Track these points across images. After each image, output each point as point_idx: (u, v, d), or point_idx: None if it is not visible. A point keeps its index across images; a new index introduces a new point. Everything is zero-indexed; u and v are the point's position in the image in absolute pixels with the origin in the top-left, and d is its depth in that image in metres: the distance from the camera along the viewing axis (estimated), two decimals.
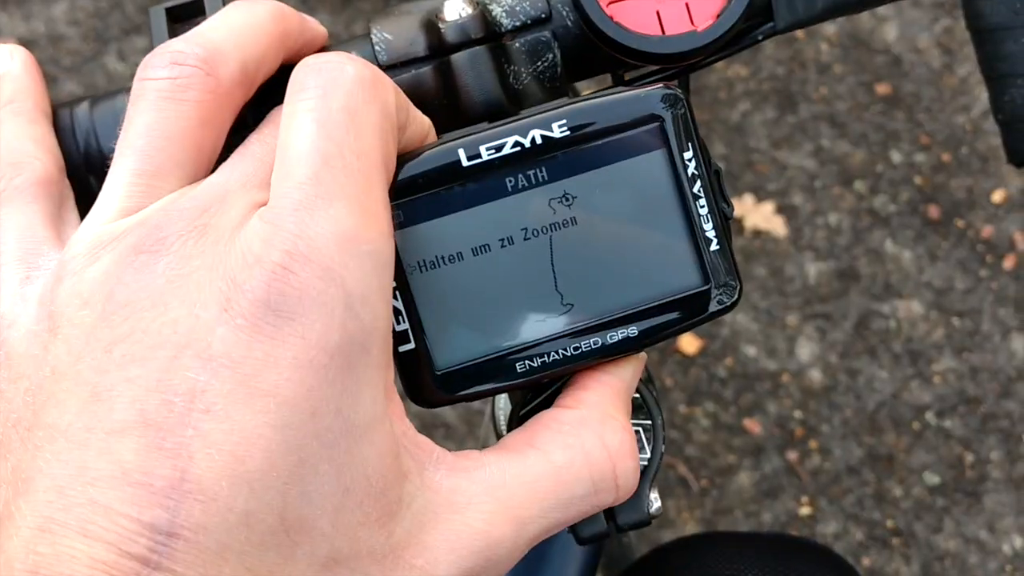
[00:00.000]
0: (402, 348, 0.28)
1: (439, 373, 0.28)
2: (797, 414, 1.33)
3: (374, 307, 0.24)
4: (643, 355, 0.30)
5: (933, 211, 1.40)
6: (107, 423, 0.22)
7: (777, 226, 1.40)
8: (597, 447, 0.27)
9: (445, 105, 0.32)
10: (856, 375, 1.35)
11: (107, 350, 0.23)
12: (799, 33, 1.45)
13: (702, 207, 0.29)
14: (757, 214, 1.40)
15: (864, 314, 1.37)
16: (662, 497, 1.30)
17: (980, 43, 0.42)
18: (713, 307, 0.29)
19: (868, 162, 1.42)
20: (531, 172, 0.28)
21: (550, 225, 0.28)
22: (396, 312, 0.28)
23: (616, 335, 0.29)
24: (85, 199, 0.30)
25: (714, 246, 0.29)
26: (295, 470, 0.23)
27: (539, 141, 0.28)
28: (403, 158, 0.28)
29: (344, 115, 0.24)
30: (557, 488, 0.27)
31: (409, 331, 0.28)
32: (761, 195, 1.41)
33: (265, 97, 0.29)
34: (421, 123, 0.29)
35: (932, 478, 1.31)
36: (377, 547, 0.24)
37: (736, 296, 0.29)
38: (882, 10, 1.47)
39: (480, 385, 0.29)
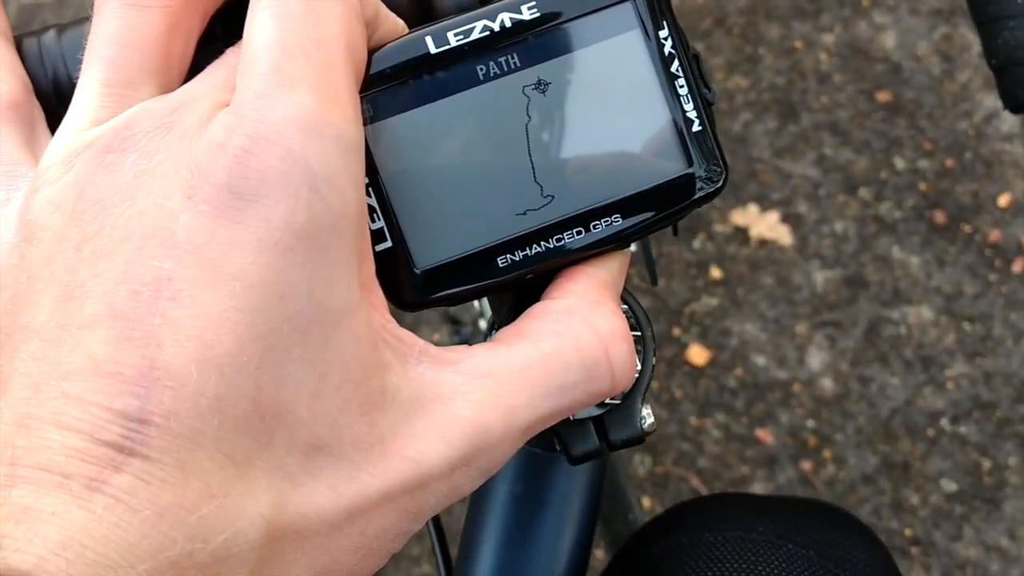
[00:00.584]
0: (379, 247, 0.27)
1: (419, 272, 0.27)
2: (810, 423, 1.31)
3: (342, 191, 0.23)
4: (628, 251, 0.29)
5: (939, 216, 1.39)
6: (78, 318, 0.22)
7: (783, 235, 1.39)
8: (587, 332, 0.27)
9: (417, 14, 0.31)
10: (868, 383, 1.33)
11: (78, 248, 0.23)
12: (797, 43, 1.46)
13: (681, 87, 0.28)
14: (762, 223, 1.39)
15: (874, 321, 1.35)
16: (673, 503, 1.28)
17: (984, 34, 0.42)
18: (698, 192, 0.28)
19: (872, 169, 1.41)
20: (502, 59, 0.27)
21: (525, 113, 0.27)
22: (371, 210, 0.27)
23: (600, 225, 0.28)
24: (56, 127, 0.29)
25: (696, 127, 0.28)
26: (266, 354, 0.22)
27: (508, 24, 0.27)
28: (372, 52, 0.27)
29: (302, 7, 0.24)
30: (547, 376, 0.26)
31: (385, 229, 0.27)
32: (765, 204, 1.40)
33: (235, 8, 0.28)
34: (394, 23, 0.28)
35: (949, 485, 1.29)
36: (361, 436, 0.24)
37: (722, 180, 0.28)
38: (880, 19, 1.47)
39: (462, 284, 0.28)
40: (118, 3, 0.26)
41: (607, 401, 0.31)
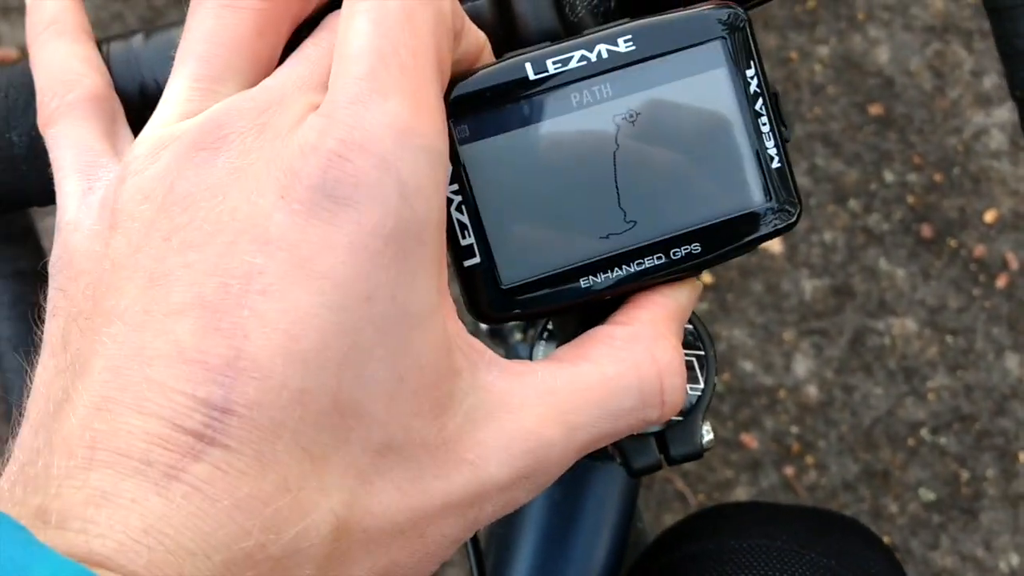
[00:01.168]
0: (467, 263, 0.28)
1: (504, 288, 0.28)
2: (794, 429, 1.33)
3: (428, 200, 0.24)
4: (699, 283, 0.31)
5: (926, 230, 1.41)
6: (164, 305, 0.23)
7: (773, 243, 1.41)
8: (647, 361, 0.28)
9: (501, 36, 0.32)
10: (852, 391, 1.35)
11: (166, 238, 0.24)
12: (793, 54, 1.47)
13: (764, 125, 0.29)
14: None
15: (859, 331, 1.37)
16: (660, 511, 1.30)
17: (997, 21, 0.43)
18: (774, 225, 0.29)
19: (862, 181, 1.43)
20: (596, 88, 0.28)
21: (614, 141, 0.28)
22: (462, 227, 0.28)
23: (680, 252, 0.29)
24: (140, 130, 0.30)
25: (775, 164, 0.29)
26: (349, 353, 0.23)
27: (605, 55, 0.28)
28: (469, 73, 0.28)
29: (400, 15, 0.25)
30: (607, 398, 0.27)
31: (475, 245, 0.28)
32: None
33: (323, 17, 0.29)
34: (477, 36, 0.29)
35: (928, 494, 1.31)
36: (430, 438, 0.24)
37: (797, 215, 0.29)
38: (874, 33, 1.49)
39: (544, 302, 0.29)
40: (214, 3, 0.27)
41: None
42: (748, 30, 0.29)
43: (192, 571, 0.21)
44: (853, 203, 1.42)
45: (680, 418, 0.32)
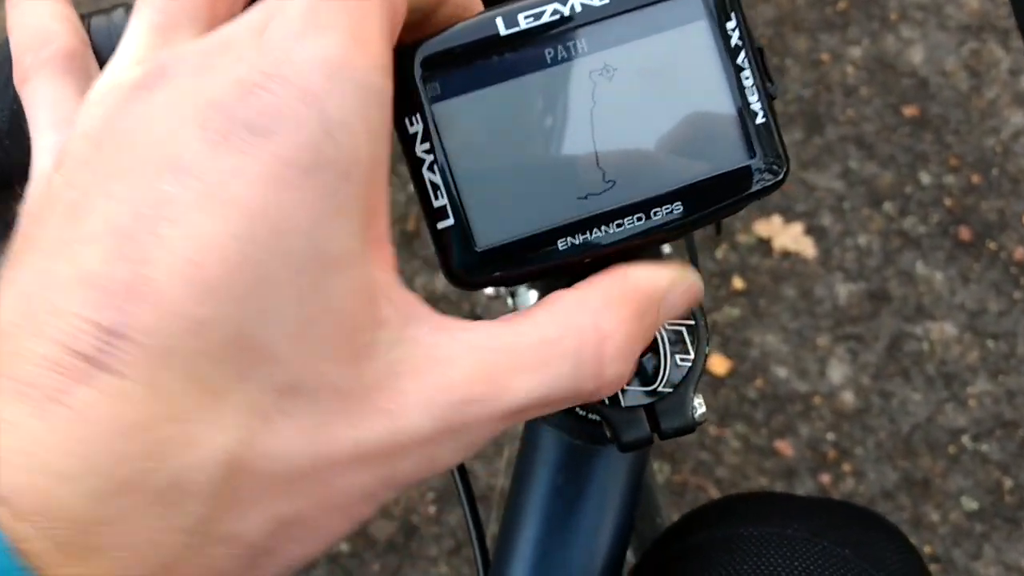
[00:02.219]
0: (441, 224, 0.28)
1: (479, 251, 0.28)
2: (830, 436, 1.31)
3: (355, 136, 0.23)
4: (691, 272, 0.29)
5: (964, 233, 1.39)
6: (79, 234, 0.23)
7: (806, 247, 1.39)
8: (590, 328, 0.26)
9: None
10: (889, 397, 1.32)
11: (94, 172, 0.23)
12: (824, 56, 1.46)
13: (747, 79, 0.28)
14: (786, 235, 1.39)
15: (896, 336, 1.35)
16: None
17: (1020, 10, 0.42)
18: (760, 183, 0.28)
19: (897, 184, 1.41)
20: (571, 43, 0.27)
21: (591, 98, 0.28)
22: (435, 187, 0.27)
23: (661, 213, 0.28)
24: None
25: (760, 119, 0.28)
26: (255, 285, 0.22)
27: (579, 9, 0.27)
28: (441, 30, 0.27)
29: None
30: (541, 362, 0.25)
31: (448, 207, 0.27)
32: (790, 216, 1.40)
33: None
34: None
35: (970, 503, 1.28)
36: (344, 384, 0.23)
37: (782, 175, 0.28)
38: (907, 33, 1.47)
39: (520, 265, 0.28)
40: None
41: (659, 389, 0.31)
42: None
43: (65, 495, 0.20)
44: (888, 206, 1.40)
45: (670, 390, 0.31)
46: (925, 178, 1.41)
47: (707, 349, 0.31)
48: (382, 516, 1.28)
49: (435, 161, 0.27)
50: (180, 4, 0.26)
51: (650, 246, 0.29)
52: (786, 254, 1.38)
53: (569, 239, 0.28)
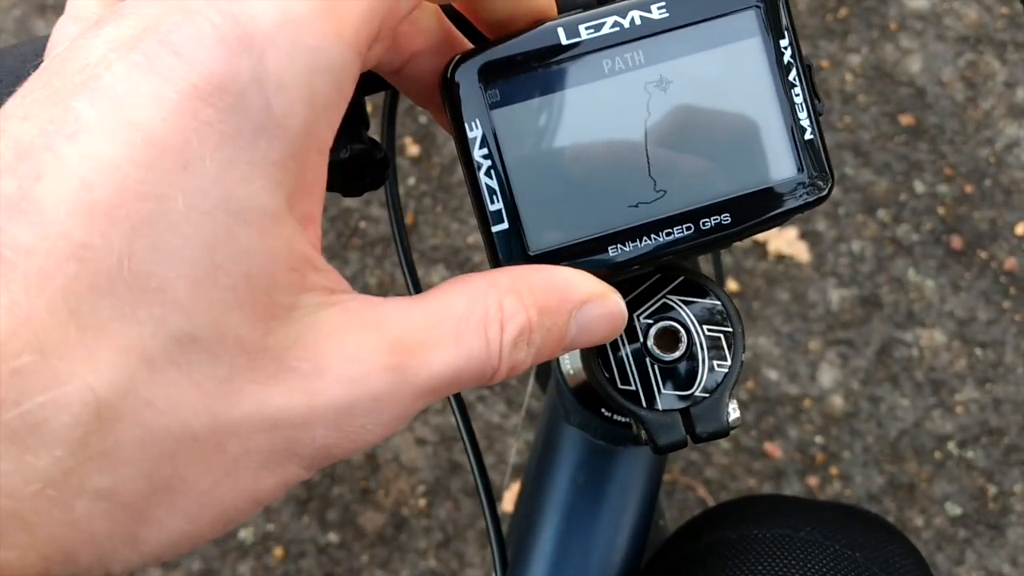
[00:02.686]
0: (496, 228, 0.28)
1: (531, 255, 0.28)
2: (818, 439, 1.32)
3: (291, 102, 0.22)
4: (614, 306, 0.28)
5: (956, 242, 1.40)
6: None
7: (800, 251, 1.40)
8: (494, 307, 0.25)
9: None
10: (878, 402, 1.34)
11: (25, 94, 0.22)
12: (824, 63, 1.47)
13: (796, 95, 0.29)
14: (780, 239, 1.40)
15: (886, 342, 1.36)
16: (681, 518, 1.29)
17: None
18: (805, 197, 0.29)
19: (891, 191, 1.42)
20: (628, 55, 0.28)
21: (645, 109, 0.28)
22: (491, 192, 0.28)
23: (709, 222, 0.29)
24: None
25: (808, 135, 0.29)
26: (150, 218, 0.21)
27: (638, 22, 0.28)
28: (504, 38, 0.28)
29: None
30: (456, 337, 0.25)
31: (503, 211, 0.28)
32: None
33: None
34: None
35: (954, 509, 1.30)
36: (252, 340, 0.22)
37: (827, 190, 0.29)
38: (906, 43, 1.49)
39: None
40: None
41: (696, 393, 0.32)
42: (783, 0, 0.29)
43: None
44: (882, 213, 1.41)
45: (707, 395, 0.32)
46: (919, 187, 1.43)
47: (743, 356, 0.32)
48: (372, 508, 1.28)
49: (492, 166, 0.28)
50: None
51: (697, 254, 0.29)
52: (780, 258, 1.40)
53: (620, 246, 0.28)
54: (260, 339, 0.22)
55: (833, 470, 1.31)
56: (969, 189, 1.42)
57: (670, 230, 0.29)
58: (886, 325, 1.37)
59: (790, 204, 0.29)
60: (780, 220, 0.29)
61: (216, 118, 0.21)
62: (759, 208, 0.29)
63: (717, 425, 0.32)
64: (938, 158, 1.44)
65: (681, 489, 1.30)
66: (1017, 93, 1.46)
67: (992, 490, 1.30)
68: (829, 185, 0.29)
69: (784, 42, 0.29)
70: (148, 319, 0.21)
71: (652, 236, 0.28)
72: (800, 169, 0.29)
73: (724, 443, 1.32)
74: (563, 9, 0.31)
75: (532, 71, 0.28)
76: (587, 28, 0.28)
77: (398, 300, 0.25)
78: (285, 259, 0.23)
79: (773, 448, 1.31)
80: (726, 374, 0.32)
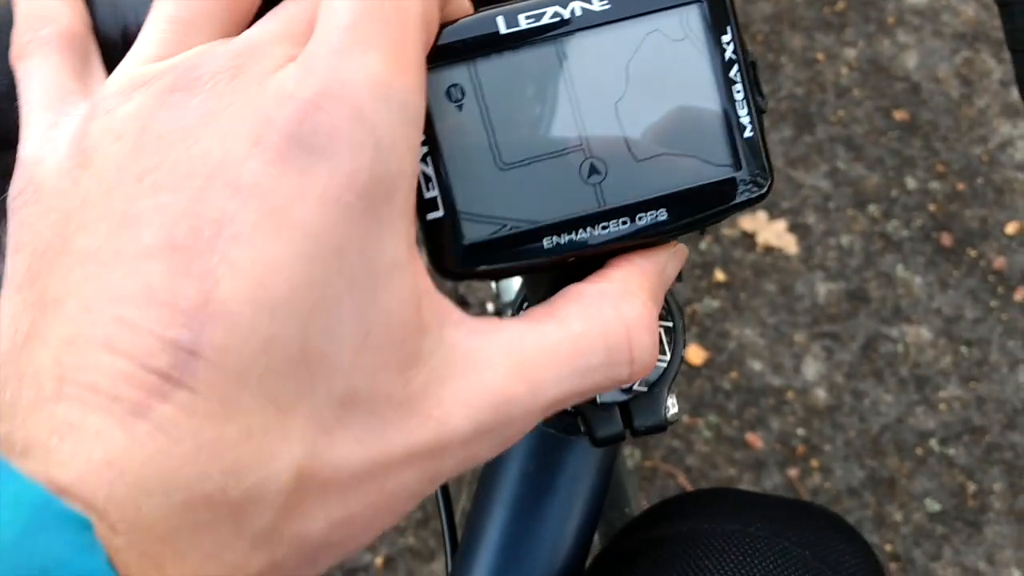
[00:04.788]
0: (430, 216, 0.28)
1: (466, 244, 0.28)
2: (800, 431, 1.32)
3: (401, 156, 0.24)
4: (682, 249, 0.30)
5: (946, 239, 1.40)
6: (136, 246, 0.23)
7: (789, 244, 1.40)
8: (614, 318, 0.27)
9: None
10: (861, 397, 1.34)
11: (138, 179, 0.23)
12: (819, 55, 1.46)
13: (738, 92, 0.28)
14: (770, 231, 1.40)
15: (872, 337, 1.36)
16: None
17: (1007, 16, 0.42)
18: (742, 196, 0.29)
19: (883, 186, 1.42)
20: (567, 46, 0.28)
21: (583, 101, 0.28)
22: (426, 178, 0.28)
23: (645, 218, 0.29)
24: None
25: (748, 133, 0.29)
26: (318, 303, 0.23)
27: (579, 13, 0.28)
28: (445, 24, 0.28)
29: None
30: (573, 355, 0.27)
31: (439, 199, 0.28)
32: (775, 212, 1.41)
33: None
34: (462, 2, 0.29)
35: (933, 505, 1.30)
36: (395, 393, 0.24)
37: (765, 189, 0.29)
38: (903, 38, 1.48)
39: (505, 260, 0.29)
40: None
41: (634, 388, 0.32)
42: None
43: (151, 508, 0.21)
44: (873, 208, 1.41)
45: (645, 389, 0.32)
46: (911, 182, 1.42)
47: (682, 351, 0.32)
48: None
49: (429, 153, 0.28)
50: (203, 1, 0.26)
51: (635, 248, 0.29)
52: (769, 249, 1.40)
53: (555, 238, 0.28)
54: (402, 390, 0.24)
55: (814, 462, 1.32)
56: (961, 187, 1.42)
57: (606, 224, 0.28)
58: (872, 320, 1.37)
59: (728, 202, 0.29)
60: (719, 217, 0.29)
61: (355, 199, 0.23)
62: (696, 205, 0.29)
63: (655, 419, 0.32)
64: (931, 155, 1.44)
65: (662, 476, 1.30)
66: (1012, 92, 1.46)
67: (972, 488, 1.31)
68: (768, 183, 0.29)
69: (726, 38, 0.28)
70: (321, 391, 0.23)
71: (588, 229, 0.28)
72: (739, 167, 0.29)
73: (706, 432, 1.32)
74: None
75: (470, 59, 0.28)
76: (527, 17, 0.28)
77: (512, 323, 0.27)
78: (413, 303, 0.25)
79: (755, 439, 1.32)
80: (665, 369, 0.32)
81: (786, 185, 1.42)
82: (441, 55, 0.28)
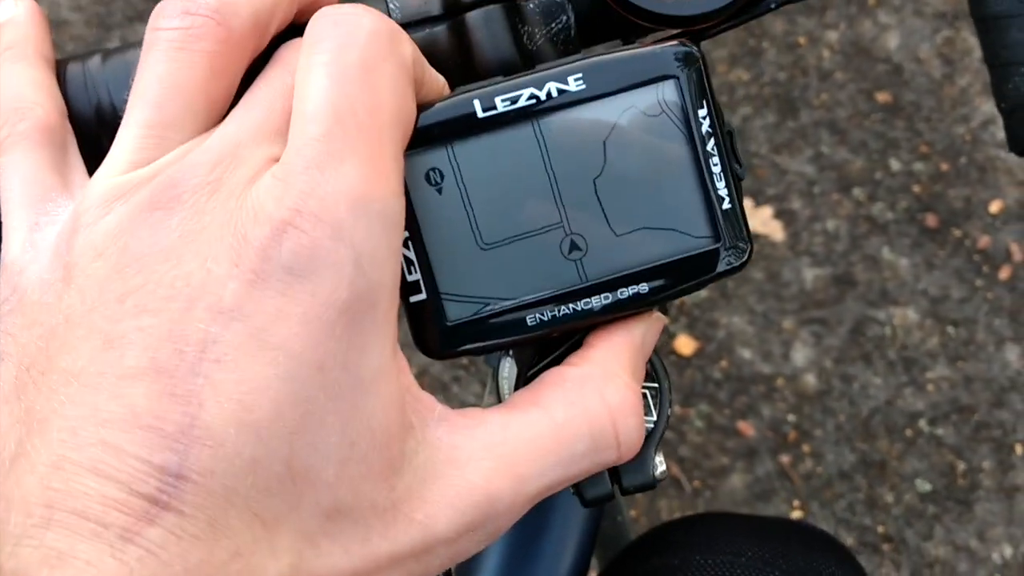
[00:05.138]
0: (413, 299, 0.28)
1: (450, 324, 0.29)
2: (791, 418, 1.33)
3: (382, 265, 0.24)
4: (660, 316, 0.30)
5: (931, 220, 1.41)
6: (119, 368, 0.23)
7: (775, 230, 1.40)
8: (597, 404, 0.27)
9: (459, 64, 0.32)
10: (850, 381, 1.35)
11: (120, 300, 0.24)
12: (801, 39, 1.46)
13: (715, 165, 0.29)
14: (755, 218, 1.40)
15: (860, 320, 1.37)
16: (655, 497, 1.30)
17: (984, 31, 0.42)
18: (723, 266, 0.29)
19: (867, 169, 1.42)
20: (545, 126, 0.28)
21: (562, 180, 0.28)
22: (408, 262, 0.28)
23: (627, 291, 0.29)
24: (96, 156, 0.30)
25: (726, 205, 0.29)
26: (302, 421, 0.23)
27: (555, 94, 0.28)
28: (419, 110, 0.28)
29: (359, 70, 0.25)
30: (557, 446, 0.27)
31: (421, 282, 0.28)
32: (760, 199, 1.41)
33: (277, 46, 0.29)
34: (436, 80, 0.29)
35: (924, 485, 1.31)
36: (379, 500, 0.25)
37: (746, 256, 0.29)
38: (884, 19, 1.48)
39: (490, 338, 0.29)
40: (165, 45, 0.26)
41: None
42: (702, 68, 0.28)
43: None
44: (858, 191, 1.42)
45: None
46: (895, 164, 1.43)
47: (669, 411, 0.32)
48: None
49: (410, 236, 0.28)
50: (177, 101, 0.26)
51: (617, 320, 0.30)
52: (755, 237, 1.40)
53: (537, 315, 0.29)
54: (386, 498, 0.25)
55: (805, 448, 1.33)
56: (945, 167, 1.43)
57: (588, 299, 0.29)
58: (859, 304, 1.38)
59: (708, 273, 0.29)
60: (698, 287, 0.29)
61: (337, 316, 0.23)
62: (677, 277, 0.29)
63: (643, 479, 0.32)
64: (914, 136, 1.44)
65: None
66: None
67: (961, 467, 1.32)
68: (748, 251, 0.29)
69: (703, 112, 0.28)
70: (307, 505, 0.24)
71: (570, 305, 0.29)
72: (718, 239, 0.29)
73: (697, 422, 1.33)
74: (487, 69, 0.31)
75: (448, 142, 0.28)
76: (503, 100, 0.28)
77: (494, 414, 0.27)
78: (397, 406, 0.25)
79: (746, 427, 1.33)
80: (652, 429, 0.32)
81: (771, 172, 1.42)
82: (419, 139, 0.28)
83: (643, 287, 0.29)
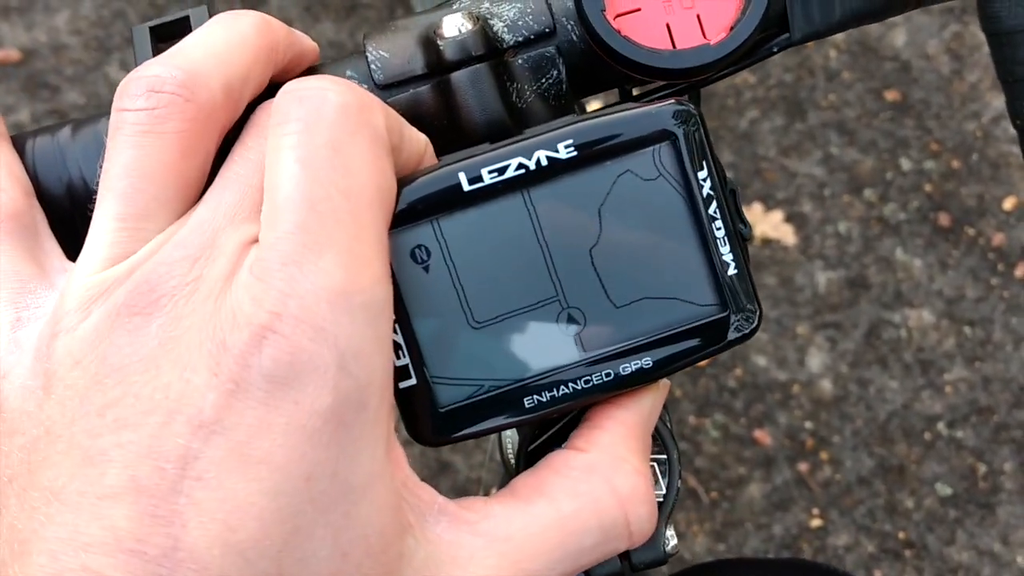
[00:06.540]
0: (403, 384, 0.27)
1: (442, 411, 0.27)
2: (808, 425, 1.31)
3: (369, 360, 0.23)
4: (664, 384, 0.29)
5: (943, 219, 1.38)
6: (99, 487, 0.22)
7: (786, 234, 1.38)
8: (606, 494, 0.26)
9: (445, 125, 0.30)
10: (867, 385, 1.33)
11: (100, 414, 0.23)
12: None
13: (718, 229, 0.27)
14: (766, 222, 1.38)
15: (874, 323, 1.35)
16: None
17: (996, 46, 0.41)
18: (732, 335, 0.28)
19: (878, 170, 1.40)
20: (536, 197, 0.27)
21: (556, 253, 0.27)
22: (396, 347, 0.27)
23: (629, 366, 0.27)
24: (71, 234, 0.28)
25: (732, 270, 0.27)
26: (290, 537, 0.22)
27: (544, 163, 0.26)
28: (401, 182, 0.26)
29: (329, 151, 0.23)
30: (565, 539, 0.26)
31: (410, 366, 0.27)
32: (770, 203, 1.39)
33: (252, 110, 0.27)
34: (417, 141, 0.27)
35: (944, 489, 1.29)
36: None
37: (756, 323, 0.28)
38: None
39: (485, 422, 0.27)
40: (131, 129, 0.25)
41: None
42: (699, 127, 0.27)
43: None
44: (869, 192, 1.39)
45: None
46: (906, 164, 1.41)
47: (679, 484, 0.31)
48: None
49: (397, 320, 0.26)
50: (149, 190, 0.25)
51: (619, 395, 0.28)
52: (766, 242, 1.38)
53: (535, 396, 0.27)
54: None
55: (823, 455, 1.31)
56: (956, 164, 1.40)
57: (588, 376, 0.27)
58: (874, 306, 1.36)
59: (716, 342, 0.28)
60: (706, 358, 0.28)
61: (322, 424, 0.22)
62: (682, 348, 0.27)
63: (655, 555, 0.31)
64: (924, 134, 1.42)
65: None
66: None
67: (982, 469, 1.30)
68: (757, 316, 0.28)
69: (703, 174, 0.27)
70: None
71: (569, 383, 0.27)
72: (724, 307, 0.27)
73: (713, 432, 1.31)
74: (475, 130, 0.29)
75: (433, 217, 0.26)
76: (490, 172, 0.26)
77: (497, 505, 0.26)
78: (392, 508, 0.24)
79: (763, 435, 1.31)
80: (661, 503, 0.31)
81: (780, 175, 1.40)
82: (403, 216, 0.26)
83: (647, 360, 0.27)
